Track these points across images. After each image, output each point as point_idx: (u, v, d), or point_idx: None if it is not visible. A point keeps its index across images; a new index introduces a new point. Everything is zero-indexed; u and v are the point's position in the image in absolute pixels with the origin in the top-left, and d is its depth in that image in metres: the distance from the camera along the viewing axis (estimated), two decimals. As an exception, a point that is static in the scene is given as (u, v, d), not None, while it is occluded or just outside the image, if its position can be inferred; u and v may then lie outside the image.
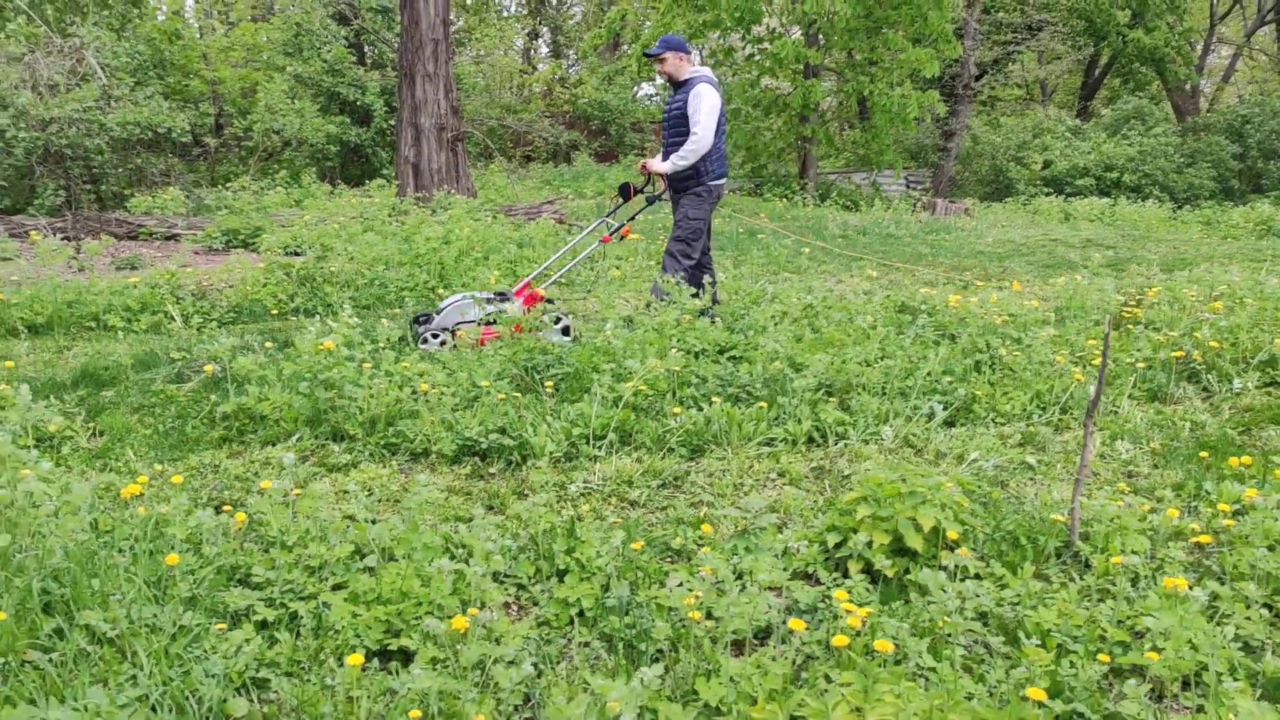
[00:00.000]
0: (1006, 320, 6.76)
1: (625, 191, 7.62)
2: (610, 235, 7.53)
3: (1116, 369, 6.03)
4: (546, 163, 26.66)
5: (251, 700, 3.08)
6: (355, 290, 8.58)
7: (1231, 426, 5.37)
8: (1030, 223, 17.45)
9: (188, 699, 2.96)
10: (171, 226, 12.94)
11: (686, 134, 7.03)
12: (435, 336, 6.95)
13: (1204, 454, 4.74)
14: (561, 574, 3.83)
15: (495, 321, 6.71)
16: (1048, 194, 22.90)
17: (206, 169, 19.64)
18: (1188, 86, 30.43)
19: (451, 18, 36.39)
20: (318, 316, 8.07)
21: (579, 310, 8.42)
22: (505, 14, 35.46)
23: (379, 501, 4.62)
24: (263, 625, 3.46)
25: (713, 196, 7.31)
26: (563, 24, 37.92)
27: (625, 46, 26.62)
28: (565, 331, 7.13)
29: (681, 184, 7.30)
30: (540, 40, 39.05)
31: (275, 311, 8.23)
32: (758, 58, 20.23)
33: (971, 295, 7.42)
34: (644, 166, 7.41)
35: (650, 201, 7.61)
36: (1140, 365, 5.85)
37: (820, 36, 21.01)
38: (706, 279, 7.26)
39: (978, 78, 26.58)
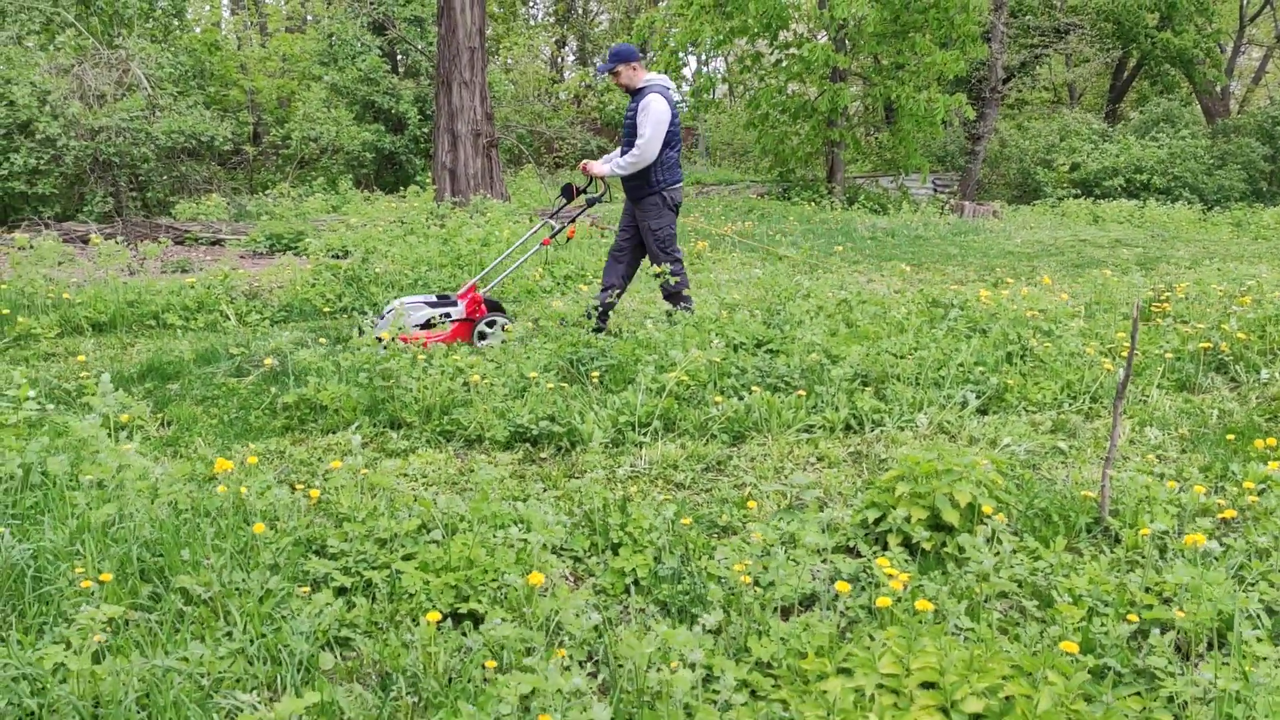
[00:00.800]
0: (1036, 314, 6.94)
1: (568, 192, 7.63)
2: (551, 237, 7.67)
3: (1145, 360, 6.19)
4: (575, 168, 26.98)
5: (336, 656, 3.33)
6: (400, 290, 8.86)
7: (1259, 414, 5.52)
8: (1059, 224, 17.54)
9: (280, 652, 3.21)
10: (216, 232, 13.31)
11: None
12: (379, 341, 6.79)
13: (1230, 436, 4.89)
14: (615, 547, 4.06)
15: (435, 325, 6.93)
16: (1076, 196, 22.94)
17: (245, 177, 20.11)
18: (1217, 89, 30.33)
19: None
20: (367, 314, 8.39)
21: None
22: (533, 22, 35.90)
23: (436, 484, 4.88)
24: (341, 591, 3.72)
25: (668, 204, 7.25)
26: (590, 31, 38.30)
27: (653, 54, 26.91)
28: (480, 336, 7.27)
29: (636, 192, 7.28)
30: (567, 49, 39.49)
31: (325, 310, 8.53)
32: (784, 63, 20.44)
33: (1002, 290, 7.60)
34: (585, 167, 7.40)
35: (590, 203, 7.61)
36: (1169, 356, 6.01)
37: (847, 41, 21.20)
38: (614, 294, 7.35)
39: (1005, 81, 26.65)
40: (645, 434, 5.31)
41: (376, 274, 9.02)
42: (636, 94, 7.19)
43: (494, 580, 3.71)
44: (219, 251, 12.54)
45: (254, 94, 20.09)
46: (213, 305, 8.13)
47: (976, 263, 11.56)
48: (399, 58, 22.21)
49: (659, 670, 2.80)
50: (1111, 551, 3.90)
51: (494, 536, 3.73)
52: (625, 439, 5.29)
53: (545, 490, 4.78)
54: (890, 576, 3.35)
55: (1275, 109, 26.78)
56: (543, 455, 5.21)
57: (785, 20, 19.85)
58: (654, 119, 6.98)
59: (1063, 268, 11.01)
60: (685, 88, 29.14)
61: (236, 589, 3.54)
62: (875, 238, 14.25)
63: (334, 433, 5.62)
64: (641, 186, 7.23)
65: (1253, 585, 3.44)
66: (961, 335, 6.49)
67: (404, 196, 16.44)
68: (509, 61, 28.30)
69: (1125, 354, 6.27)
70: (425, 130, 19.66)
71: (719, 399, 5.50)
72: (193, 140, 15.10)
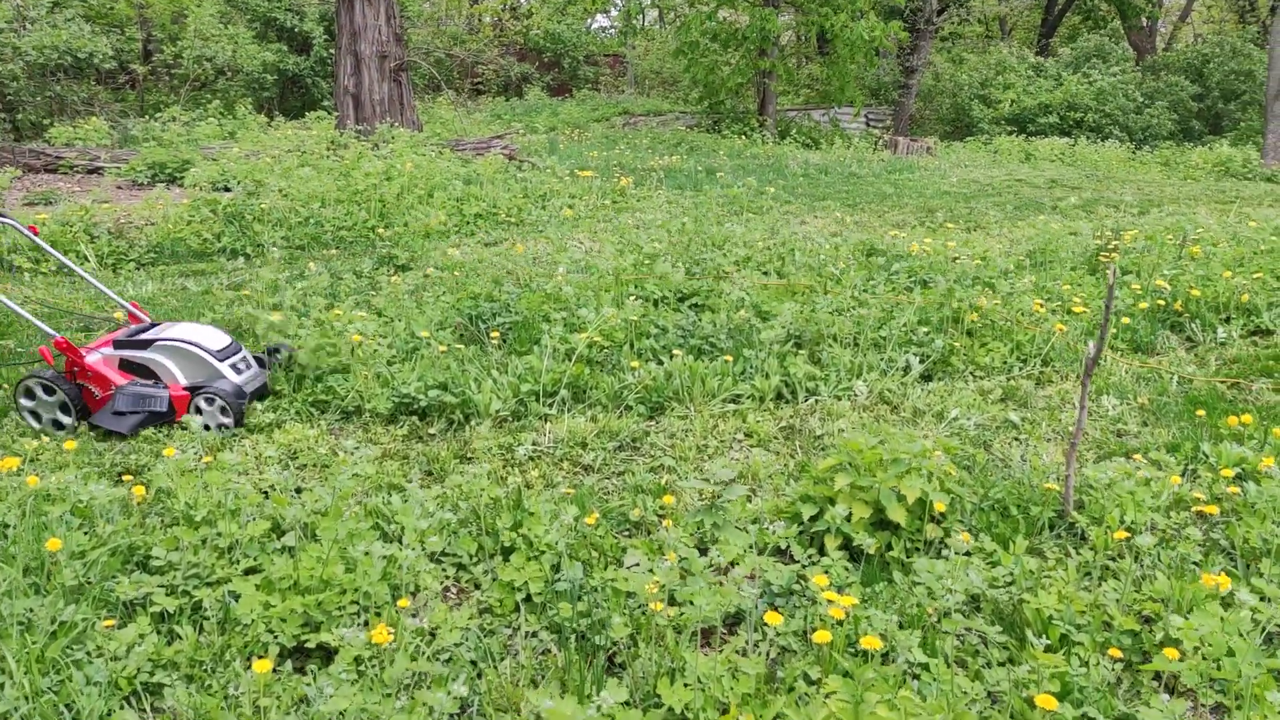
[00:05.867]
0: (980, 263, 6.41)
1: None
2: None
3: (1097, 318, 5.71)
4: (497, 96, 25.75)
5: (144, 710, 2.65)
6: (288, 230, 7.99)
7: (1220, 380, 5.09)
8: (993, 162, 17.13)
9: (62, 714, 2.53)
10: (94, 159, 12.10)
11: None
12: None
13: (1200, 411, 4.42)
14: (507, 552, 3.43)
15: None
16: (1010, 133, 22.57)
17: (135, 99, 18.55)
18: (1145, 23, 30.13)
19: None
20: (244, 258, 7.51)
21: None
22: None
23: (305, 468, 4.17)
24: (162, 617, 3.02)
25: None
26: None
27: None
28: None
29: None
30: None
31: (200, 251, 7.62)
32: (715, -14, 19.50)
33: (944, 239, 7.06)
34: None
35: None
36: (1124, 320, 5.52)
37: (780, -35, 20.31)
38: None
39: (940, 12, 26.01)
40: (551, 405, 4.66)
41: (262, 210, 8.11)
42: None
43: (354, 601, 3.06)
44: (95, 181, 11.39)
45: (143, 8, 18.45)
46: (69, 245, 7.17)
47: (913, 204, 11.03)
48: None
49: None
50: (1079, 553, 3.39)
51: (354, 548, 3.06)
52: (528, 411, 4.63)
53: (430, 477, 4.11)
54: (830, 602, 2.78)
55: (1205, 47, 26.68)
56: (431, 431, 4.52)
57: (716, -58, 18.86)
58: None
59: (1001, 210, 10.54)
60: (614, 13, 27.97)
61: (21, 622, 2.83)
62: (808, 175, 13.63)
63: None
64: None
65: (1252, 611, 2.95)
66: (903, 289, 5.93)
67: (307, 124, 15.27)
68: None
69: (1076, 310, 5.78)
70: (332, 52, 18.30)
71: (636, 364, 4.86)
72: (69, 57, 13.69)
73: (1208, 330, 5.73)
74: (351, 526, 2.99)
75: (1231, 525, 3.38)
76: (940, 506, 3.39)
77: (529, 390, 4.67)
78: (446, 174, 9.46)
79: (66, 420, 4.56)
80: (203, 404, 4.50)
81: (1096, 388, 4.96)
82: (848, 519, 3.44)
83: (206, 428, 4.49)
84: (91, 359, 4.56)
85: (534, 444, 4.36)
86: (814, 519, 3.54)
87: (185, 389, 4.53)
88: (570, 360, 4.78)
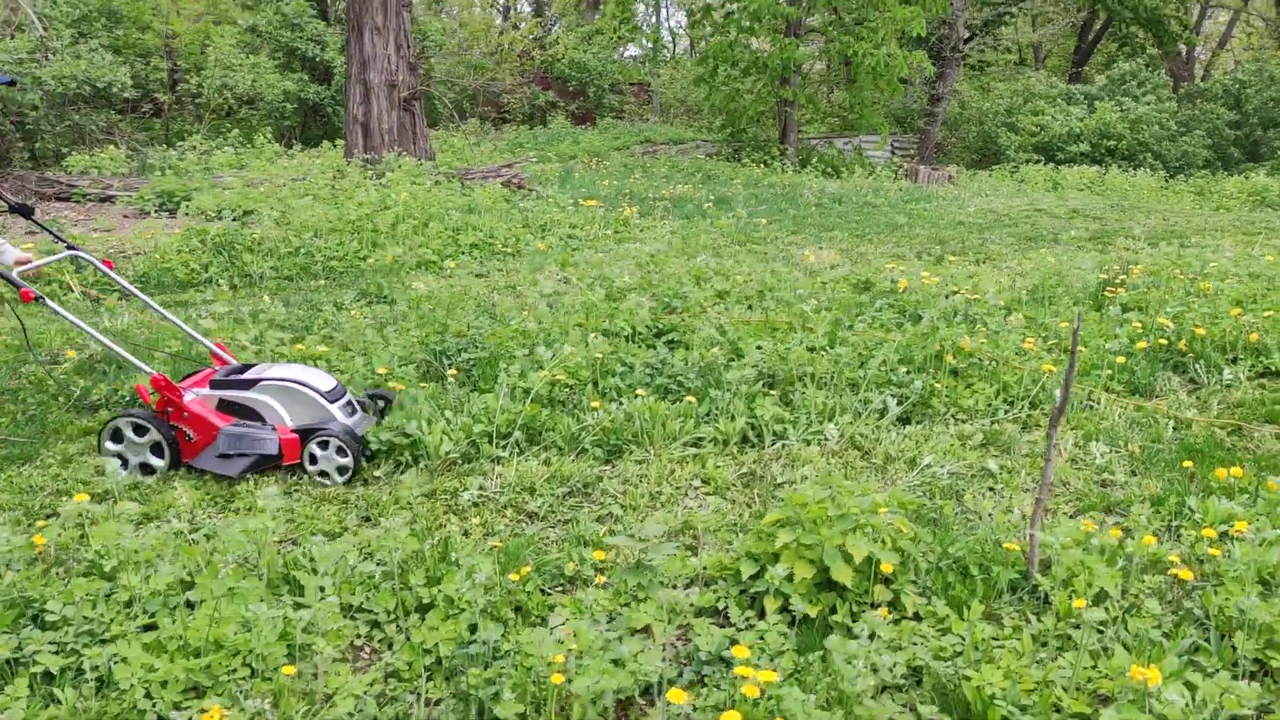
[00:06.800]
0: (974, 297, 6.15)
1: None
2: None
3: (1094, 358, 5.43)
4: (522, 125, 25.81)
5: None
6: (278, 260, 7.90)
7: (1220, 425, 4.78)
8: (1016, 191, 16.79)
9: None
10: (106, 188, 12.17)
11: None
12: None
13: (1188, 462, 4.13)
14: (426, 608, 3.23)
15: None
16: (1037, 162, 22.18)
17: (161, 127, 18.77)
18: (1183, 51, 29.63)
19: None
20: (231, 288, 7.42)
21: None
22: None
23: (239, 512, 4.00)
24: (47, 678, 2.85)
25: None
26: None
27: (604, 5, 25.69)
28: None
29: None
30: (522, -1, 37.91)
31: (186, 282, 7.55)
32: (735, 15, 19.39)
33: (942, 270, 6.80)
34: None
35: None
36: (1120, 360, 5.22)
37: (804, -6, 20.20)
38: None
39: (967, 40, 25.75)
40: (504, 447, 4.46)
41: (254, 240, 8.03)
42: None
43: (245, 664, 2.87)
44: (106, 210, 11.44)
45: (170, 38, 18.70)
46: (51, 276, 7.13)
47: (924, 234, 10.76)
48: (329, 3, 20.84)
49: None
50: (1039, 620, 3.12)
51: (244, 607, 2.87)
52: (480, 453, 4.44)
53: (367, 523, 3.93)
54: (746, 678, 2.54)
55: (1242, 74, 26.13)
56: (377, 473, 4.34)
57: (737, -31, 18.77)
58: None
59: (1015, 240, 10.24)
60: (646, 43, 27.98)
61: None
62: (821, 204, 13.40)
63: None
64: None
65: (1211, 676, 2.67)
66: (889, 326, 5.68)
67: (320, 152, 15.32)
68: (451, 9, 26.89)
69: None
70: (353, 81, 18.37)
71: (596, 404, 4.66)
72: (88, 86, 13.83)
73: (1213, 371, 5.41)
74: (231, 582, 2.79)
75: (1207, 593, 3.09)
76: (887, 568, 3.15)
77: (482, 431, 4.48)
78: (444, 203, 9.35)
79: (158, 463, 4.31)
80: (316, 450, 4.24)
81: (1085, 433, 4.68)
82: (789, 579, 3.20)
83: (324, 474, 4.27)
84: (188, 399, 4.32)
85: (480, 488, 4.16)
86: (755, 577, 3.30)
87: (294, 431, 4.28)
88: (526, 400, 4.59)
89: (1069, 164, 21.84)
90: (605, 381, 4.95)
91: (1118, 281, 6.76)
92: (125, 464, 4.34)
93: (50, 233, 5.09)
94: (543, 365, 4.72)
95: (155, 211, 10.94)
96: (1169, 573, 3.26)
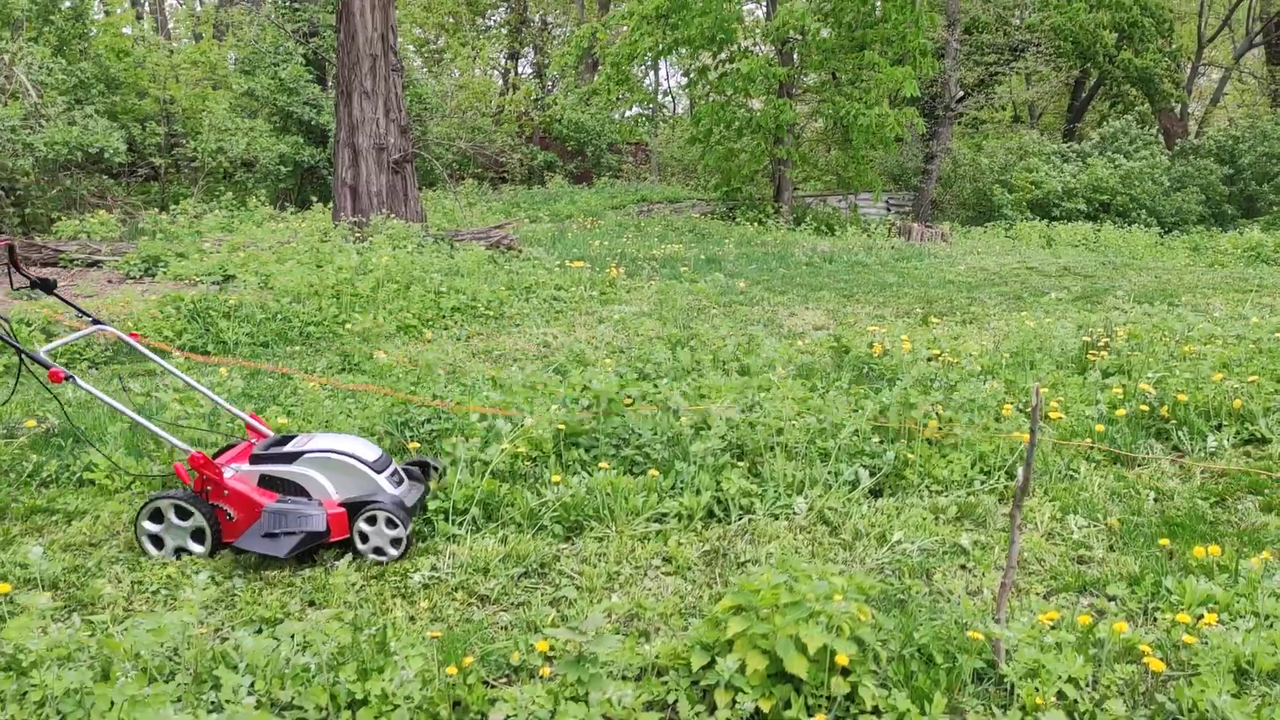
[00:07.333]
0: (953, 361, 6.04)
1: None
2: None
3: (1074, 425, 5.29)
4: (520, 185, 25.98)
5: None
6: (254, 326, 7.82)
7: (1203, 496, 4.62)
8: (1009, 249, 16.76)
9: None
10: (94, 252, 12.16)
11: None
12: None
13: (1164, 540, 3.97)
14: (357, 705, 3.07)
15: None
16: (1031, 219, 22.21)
17: (159, 191, 18.90)
18: (1176, 109, 29.87)
19: (431, 37, 35.52)
20: (203, 354, 7.34)
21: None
22: (486, 31, 34.87)
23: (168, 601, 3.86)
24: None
25: None
26: (545, 45, 37.35)
27: (601, 67, 26.02)
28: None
29: None
30: (523, 60, 38.49)
31: (159, 351, 7.46)
32: (730, 76, 19.58)
33: (907, 339, 6.68)
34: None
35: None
36: (1099, 428, 5.08)
37: (795, 55, 20.40)
38: None
39: (960, 99, 25.98)
40: (460, 524, 4.32)
41: (230, 306, 7.96)
42: None
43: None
44: (91, 275, 11.41)
45: (168, 103, 18.89)
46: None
47: (913, 293, 10.68)
48: (326, 68, 21.09)
49: None
50: (1005, 714, 2.95)
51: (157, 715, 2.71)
52: (435, 531, 4.29)
53: (313, 607, 3.78)
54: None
55: (1236, 131, 26.27)
56: (327, 554, 4.19)
57: (730, 34, 18.98)
58: None
59: (1004, 299, 10.16)
60: (646, 105, 28.30)
61: None
62: (811, 263, 13.35)
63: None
64: None
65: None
66: (864, 394, 5.55)
67: (312, 216, 15.36)
68: (450, 72, 27.23)
69: (1054, 416, 5.37)
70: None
71: (557, 478, 4.52)
72: (79, 152, 13.91)
73: (1196, 439, 5.27)
74: (133, 690, 2.64)
75: (1179, 686, 2.93)
76: (843, 660, 2.98)
77: (438, 508, 4.34)
78: (426, 266, 9.30)
79: (198, 549, 4.10)
80: (365, 526, 4.06)
81: (1063, 505, 4.53)
82: (740, 671, 3.04)
83: (378, 550, 4.08)
84: (228, 475, 4.14)
85: (433, 568, 4.01)
86: (706, 668, 3.14)
87: (340, 505, 4.09)
88: (484, 476, 4.46)
89: (1064, 220, 21.87)
90: (570, 454, 4.82)
91: (1100, 345, 6.64)
92: (160, 545, 4.15)
93: (75, 308, 5.03)
94: (500, 438, 4.59)
95: (140, 276, 10.91)
96: (1142, 660, 3.09)
